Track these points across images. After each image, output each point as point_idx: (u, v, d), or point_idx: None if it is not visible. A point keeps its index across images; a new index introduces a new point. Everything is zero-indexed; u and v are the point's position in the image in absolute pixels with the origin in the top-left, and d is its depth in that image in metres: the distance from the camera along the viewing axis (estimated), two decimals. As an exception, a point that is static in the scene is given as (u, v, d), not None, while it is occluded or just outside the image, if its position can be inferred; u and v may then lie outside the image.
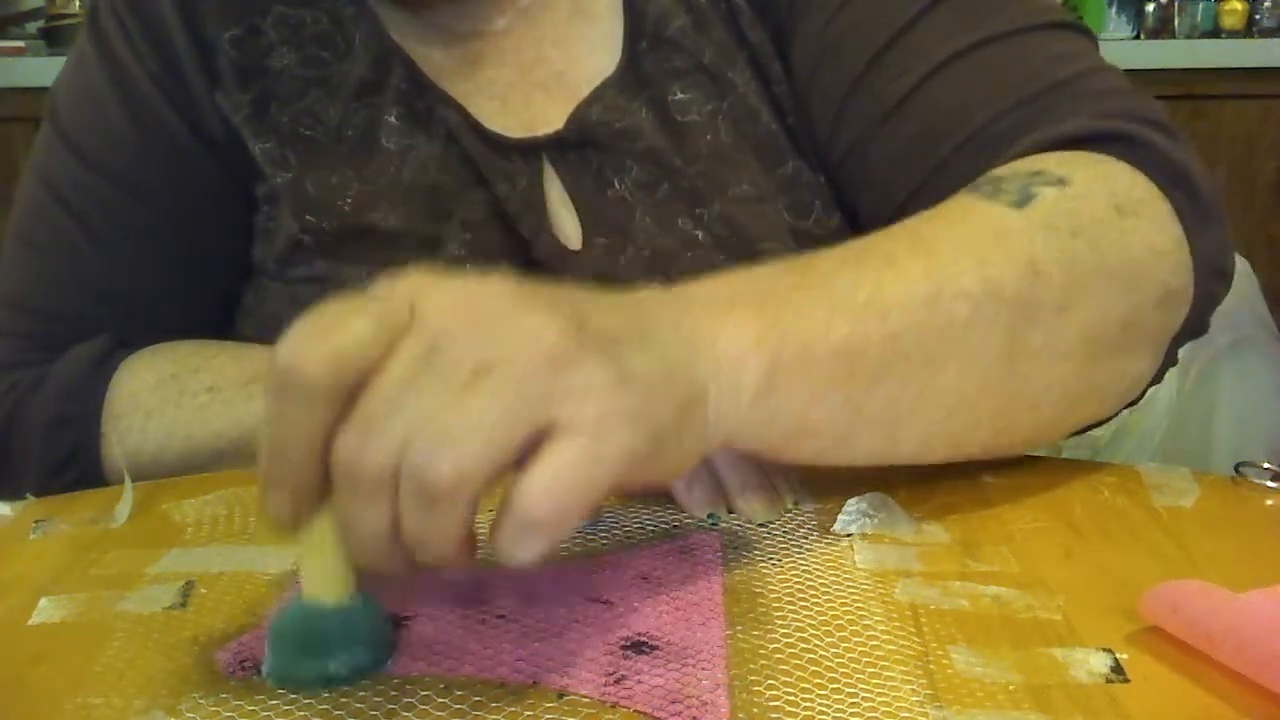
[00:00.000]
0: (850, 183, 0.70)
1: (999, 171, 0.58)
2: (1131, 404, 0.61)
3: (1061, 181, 0.55)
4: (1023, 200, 0.54)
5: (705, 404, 0.44)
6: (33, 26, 2.49)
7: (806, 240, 0.71)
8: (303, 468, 0.38)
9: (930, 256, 0.51)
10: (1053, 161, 0.57)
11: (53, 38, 2.38)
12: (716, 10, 0.73)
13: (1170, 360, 0.61)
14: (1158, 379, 0.61)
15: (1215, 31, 2.47)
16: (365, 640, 0.42)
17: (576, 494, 0.38)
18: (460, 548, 0.39)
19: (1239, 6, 2.45)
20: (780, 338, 0.46)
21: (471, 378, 0.37)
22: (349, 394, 0.37)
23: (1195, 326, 0.60)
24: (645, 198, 0.72)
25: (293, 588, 0.44)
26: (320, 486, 0.38)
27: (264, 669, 0.42)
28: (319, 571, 0.40)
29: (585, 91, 0.73)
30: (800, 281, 0.49)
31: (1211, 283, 0.59)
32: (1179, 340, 0.60)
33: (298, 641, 0.41)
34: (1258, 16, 2.48)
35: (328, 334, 0.38)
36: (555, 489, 0.37)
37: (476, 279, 0.40)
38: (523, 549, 0.38)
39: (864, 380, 0.48)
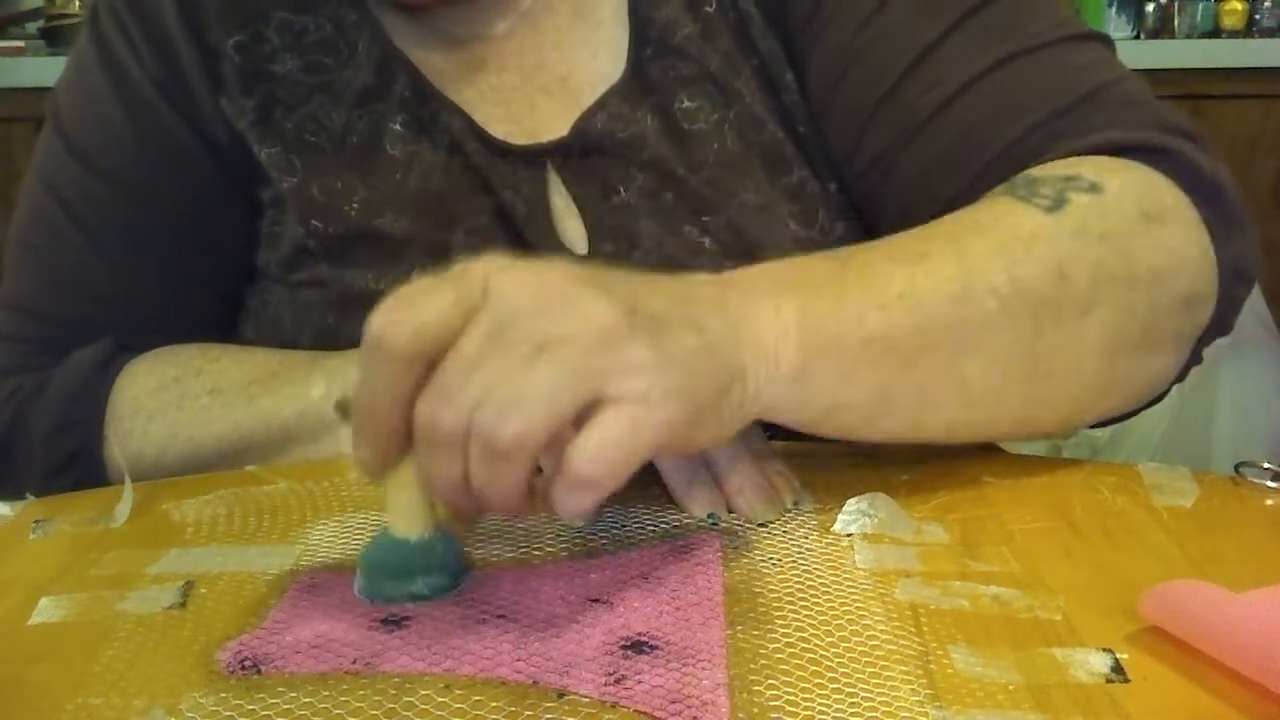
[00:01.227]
0: (873, 192, 0.70)
1: (1035, 172, 0.60)
2: (1154, 400, 0.63)
3: (1094, 188, 0.58)
4: (1056, 205, 0.57)
5: (745, 381, 0.48)
6: (33, 26, 2.49)
7: (811, 249, 0.70)
8: (387, 423, 0.43)
9: (962, 256, 0.54)
10: (1088, 167, 0.60)
11: (53, 38, 2.38)
12: (725, 19, 0.72)
13: (1195, 359, 0.63)
14: (1181, 377, 0.63)
15: (1215, 31, 2.47)
16: (444, 568, 0.48)
17: (621, 457, 0.43)
18: (519, 500, 0.43)
19: (1239, 6, 2.45)
20: (818, 323, 0.50)
21: (534, 352, 0.42)
22: (429, 361, 0.43)
23: (1220, 327, 0.62)
24: (650, 205, 0.72)
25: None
26: (403, 438, 0.44)
27: (355, 588, 0.48)
28: (403, 509, 0.47)
29: (588, 97, 0.73)
30: (838, 272, 0.53)
31: (1235, 286, 0.61)
32: (1204, 340, 0.62)
33: (386, 568, 0.47)
34: (1258, 16, 2.48)
35: (413, 308, 0.43)
36: (603, 452, 0.42)
37: (542, 263, 0.45)
38: (575, 503, 0.43)
39: (893, 367, 0.52)
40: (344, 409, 0.46)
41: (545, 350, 0.42)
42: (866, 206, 0.72)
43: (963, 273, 0.53)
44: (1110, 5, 2.49)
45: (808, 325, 0.50)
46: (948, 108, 0.66)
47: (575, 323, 0.43)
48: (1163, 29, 2.49)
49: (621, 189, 0.72)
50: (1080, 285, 0.55)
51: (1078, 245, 0.56)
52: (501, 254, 0.45)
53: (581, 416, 0.42)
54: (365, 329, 0.43)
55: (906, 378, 0.53)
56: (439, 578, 0.47)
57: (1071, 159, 0.61)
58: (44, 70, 2.11)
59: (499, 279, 0.43)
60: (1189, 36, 2.46)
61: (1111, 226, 0.57)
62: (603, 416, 0.42)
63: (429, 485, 0.45)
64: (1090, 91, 0.64)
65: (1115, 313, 0.56)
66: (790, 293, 0.51)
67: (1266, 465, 0.58)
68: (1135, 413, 0.63)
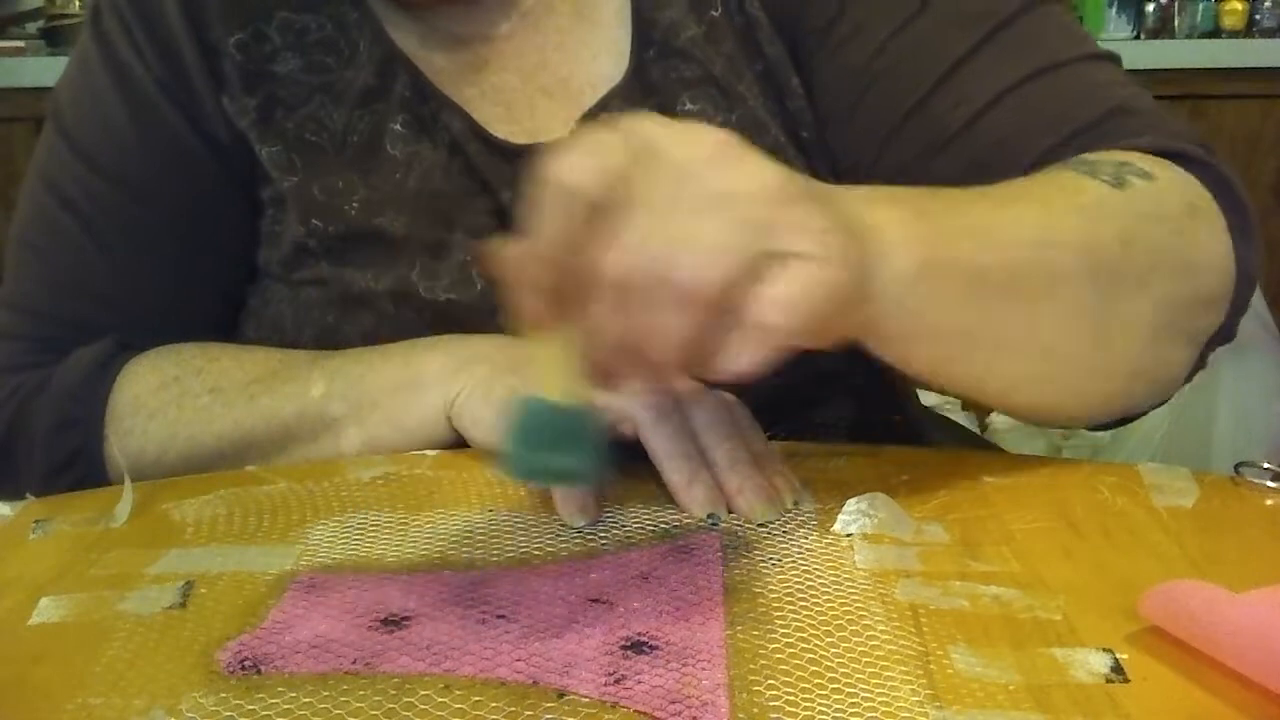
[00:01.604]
0: None
1: (1089, 156, 0.62)
2: (1159, 404, 0.64)
3: (1146, 174, 0.60)
4: (1118, 182, 0.59)
5: (879, 270, 0.48)
6: (33, 26, 2.49)
7: None
8: (559, 270, 0.42)
9: (1043, 208, 0.56)
10: (1136, 158, 0.62)
11: (53, 38, 2.38)
12: (730, 24, 0.72)
13: (1201, 363, 0.64)
14: (1187, 379, 0.64)
15: (1215, 31, 2.47)
16: (599, 440, 0.45)
17: (804, 310, 0.42)
18: (684, 354, 0.43)
19: (1239, 6, 2.45)
20: (933, 238, 0.51)
21: (715, 202, 0.42)
22: (606, 207, 0.42)
23: (1227, 332, 0.64)
24: None
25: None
26: (567, 293, 0.43)
27: (504, 464, 0.45)
28: (557, 376, 0.44)
29: (589, 97, 0.73)
30: (939, 203, 0.54)
31: (1244, 290, 0.63)
32: (1211, 344, 0.64)
33: (543, 436, 0.45)
34: (1258, 16, 2.48)
35: (592, 155, 0.42)
36: (788, 302, 0.42)
37: (698, 125, 0.45)
38: (747, 356, 0.43)
39: (983, 301, 0.53)
40: (490, 263, 0.45)
41: (724, 202, 0.42)
42: None
43: (1045, 221, 0.55)
44: (1110, 5, 2.49)
45: (925, 238, 0.50)
46: (979, 120, 0.67)
47: (750, 179, 0.43)
48: (1163, 29, 2.49)
49: None
50: (1140, 260, 0.57)
51: (1139, 222, 0.58)
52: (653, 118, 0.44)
53: (757, 272, 0.42)
54: (542, 174, 0.42)
55: (991, 315, 0.54)
56: (591, 454, 0.45)
57: (1119, 151, 0.63)
58: (44, 70, 2.11)
59: (669, 133, 0.43)
60: (1189, 36, 2.46)
61: (1166, 212, 0.59)
62: (783, 270, 0.42)
63: (594, 341, 0.43)
64: (1116, 107, 0.66)
65: (1164, 295, 0.58)
66: (908, 209, 0.51)
67: (1266, 465, 0.58)
68: (1143, 414, 0.63)
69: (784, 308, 0.42)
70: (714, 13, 0.72)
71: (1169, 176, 0.61)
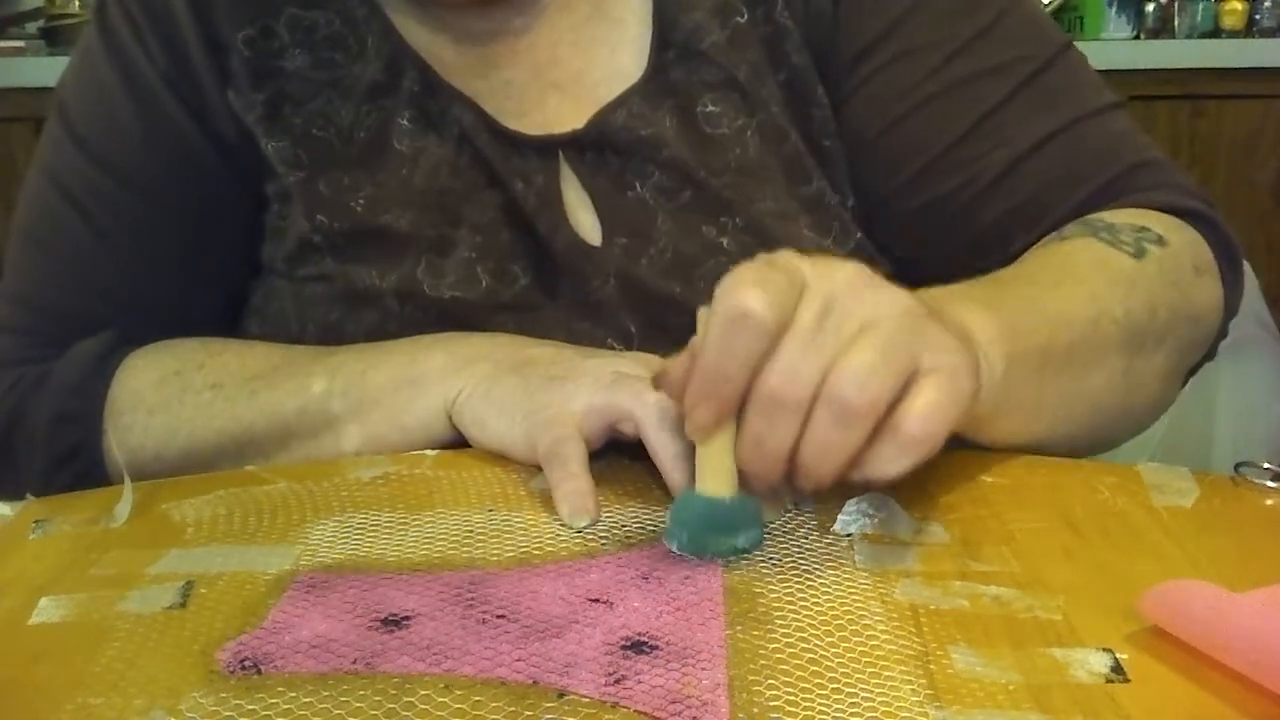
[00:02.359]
0: (919, 229, 0.74)
1: (1109, 219, 0.69)
2: None
3: (1161, 240, 0.68)
4: (1138, 253, 0.67)
5: (980, 374, 0.52)
6: (33, 26, 2.48)
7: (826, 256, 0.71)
8: (736, 387, 0.47)
9: (1089, 286, 0.64)
10: (1152, 220, 0.70)
11: (53, 38, 2.38)
12: (756, 31, 0.73)
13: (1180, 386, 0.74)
14: None
15: (1215, 31, 2.47)
16: (758, 522, 0.51)
17: (945, 420, 0.47)
18: (844, 466, 0.47)
19: (1239, 6, 2.45)
20: (1011, 333, 0.57)
21: (861, 329, 0.46)
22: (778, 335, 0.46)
23: (1209, 356, 0.74)
24: (667, 203, 0.72)
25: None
26: (737, 404, 0.48)
27: (673, 544, 0.51)
28: (717, 471, 0.50)
29: (604, 93, 0.73)
30: (1003, 293, 0.62)
31: (1226, 325, 0.74)
32: (1193, 370, 0.74)
33: (711, 524, 0.51)
34: (1258, 16, 2.48)
35: (768, 286, 0.46)
36: (933, 413, 0.46)
37: (828, 258, 0.50)
38: (897, 464, 0.47)
39: (1050, 375, 0.60)
40: (659, 382, 0.51)
41: (870, 328, 0.46)
42: (905, 238, 0.74)
43: (1093, 301, 0.63)
44: (1110, 5, 2.49)
45: (1005, 335, 0.56)
46: (1015, 169, 0.72)
47: (887, 305, 0.48)
48: (1163, 29, 2.49)
49: (636, 184, 0.72)
50: (1161, 321, 0.66)
51: (1159, 287, 0.66)
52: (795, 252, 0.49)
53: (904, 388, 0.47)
54: (722, 303, 0.46)
55: (1055, 388, 0.61)
56: (756, 531, 0.51)
57: (1137, 210, 0.70)
58: (44, 70, 2.11)
59: (811, 267, 0.48)
60: (1189, 36, 2.46)
61: (1178, 276, 0.68)
62: (925, 384, 0.46)
63: (752, 450, 0.48)
64: (1137, 161, 0.73)
65: (1175, 346, 0.68)
66: (984, 308, 0.57)
67: (1266, 465, 0.58)
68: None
69: (930, 419, 0.46)
70: (739, 19, 0.73)
71: (1179, 240, 0.69)
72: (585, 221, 0.72)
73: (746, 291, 0.46)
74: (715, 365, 0.47)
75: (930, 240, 0.74)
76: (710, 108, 0.72)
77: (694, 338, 0.49)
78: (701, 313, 0.49)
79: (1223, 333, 0.74)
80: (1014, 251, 0.71)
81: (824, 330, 0.47)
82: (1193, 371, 0.74)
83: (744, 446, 0.48)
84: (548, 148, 0.72)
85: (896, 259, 0.73)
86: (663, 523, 0.54)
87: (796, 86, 0.73)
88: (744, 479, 0.50)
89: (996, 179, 0.72)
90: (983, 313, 0.57)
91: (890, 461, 0.47)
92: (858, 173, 0.74)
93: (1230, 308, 0.73)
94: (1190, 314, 0.69)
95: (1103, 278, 0.65)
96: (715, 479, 0.50)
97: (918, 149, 0.73)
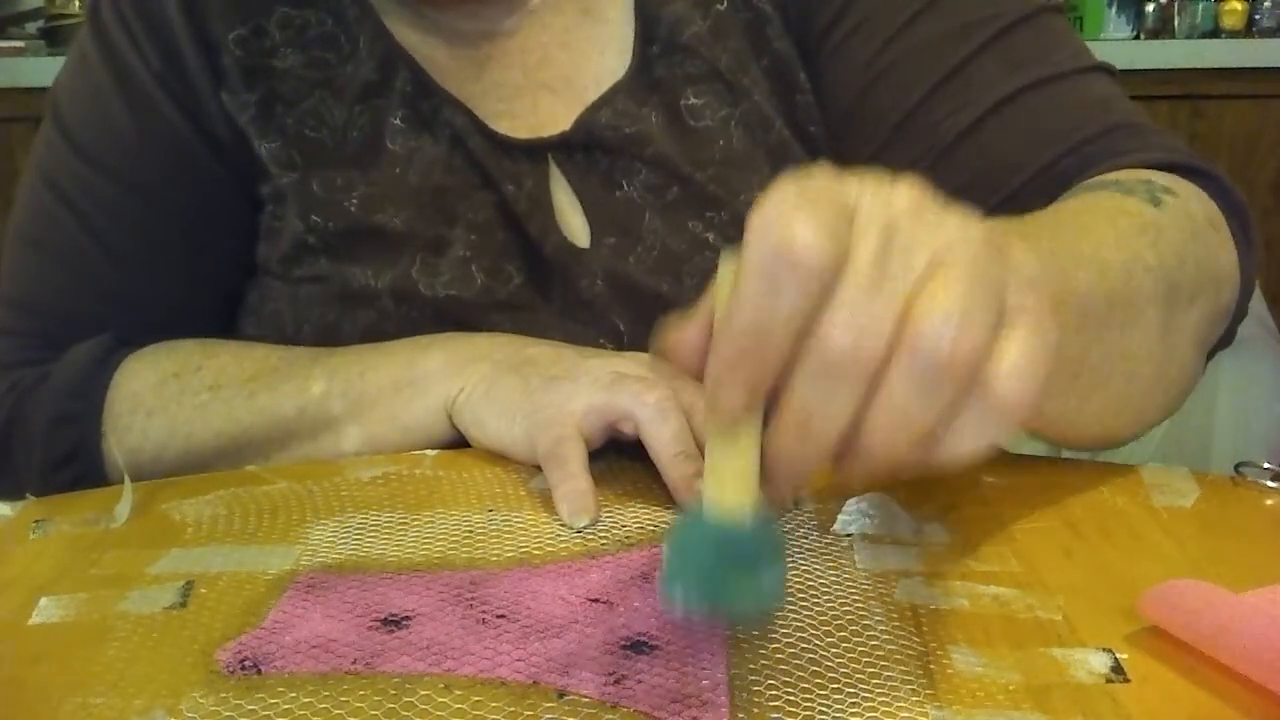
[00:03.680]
0: None
1: (1111, 176, 0.61)
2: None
3: (1171, 191, 0.60)
4: (1155, 202, 0.58)
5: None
6: (33, 26, 2.49)
7: None
8: (780, 352, 0.36)
9: (1116, 231, 0.55)
10: (1153, 174, 0.61)
11: (53, 38, 2.38)
12: (737, 18, 0.72)
13: (1201, 370, 0.65)
14: None
15: (1215, 31, 2.47)
16: (778, 555, 0.38)
17: (1038, 377, 0.37)
18: (920, 441, 0.37)
19: (1239, 6, 2.45)
20: (1056, 272, 0.47)
21: (934, 263, 0.36)
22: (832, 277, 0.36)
23: (1227, 339, 0.66)
24: (654, 200, 0.72)
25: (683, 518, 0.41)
26: (775, 378, 0.37)
27: (676, 593, 0.38)
28: (739, 476, 0.38)
29: (593, 94, 0.73)
30: (1037, 231, 0.51)
31: (1245, 299, 0.65)
32: (1213, 351, 0.65)
33: (726, 555, 0.37)
34: (1258, 16, 2.48)
35: (815, 212, 0.36)
36: (1028, 368, 0.37)
37: (883, 179, 0.39)
38: (986, 434, 0.37)
39: (1089, 332, 0.51)
40: (665, 350, 0.39)
41: (944, 261, 0.36)
42: None
43: (1122, 247, 0.54)
44: (1110, 5, 2.49)
45: (1049, 273, 0.46)
46: (978, 129, 0.67)
47: (960, 230, 0.37)
48: (1163, 29, 2.49)
49: (624, 183, 0.72)
50: (1191, 274, 0.57)
51: (1185, 238, 0.58)
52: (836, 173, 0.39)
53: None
54: (761, 239, 0.36)
55: (1097, 343, 0.52)
56: (780, 568, 0.38)
57: (1131, 170, 0.62)
58: (44, 70, 2.11)
59: (860, 189, 0.38)
60: (1189, 37, 2.46)
61: (1197, 228, 0.60)
62: (1016, 331, 0.37)
63: (799, 433, 0.37)
64: (1115, 122, 0.67)
65: (1205, 306, 0.60)
66: (1023, 242, 0.44)
67: (1266, 465, 0.58)
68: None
69: (1027, 375, 0.37)
70: (719, 7, 0.72)
71: (1187, 193, 0.62)
72: (574, 223, 0.72)
73: (793, 221, 0.36)
74: (754, 323, 0.36)
75: None
76: (694, 100, 0.72)
77: (706, 297, 0.38)
78: (725, 260, 0.38)
79: (1241, 311, 0.65)
80: None
81: (890, 267, 0.36)
82: (1210, 357, 0.65)
83: (784, 431, 0.37)
84: (537, 150, 0.72)
85: None
86: (663, 523, 0.54)
87: (779, 73, 0.72)
88: (764, 483, 0.38)
89: (956, 141, 0.68)
90: (1027, 247, 0.44)
91: (977, 435, 0.37)
92: (839, 154, 0.72)
93: (1246, 277, 0.64)
94: (1214, 272, 0.60)
95: (1129, 223, 0.56)
96: (736, 486, 0.38)
97: (881, 117, 0.70)
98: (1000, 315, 0.37)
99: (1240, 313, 0.65)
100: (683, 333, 0.40)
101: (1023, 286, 0.38)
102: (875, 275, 0.36)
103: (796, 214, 0.36)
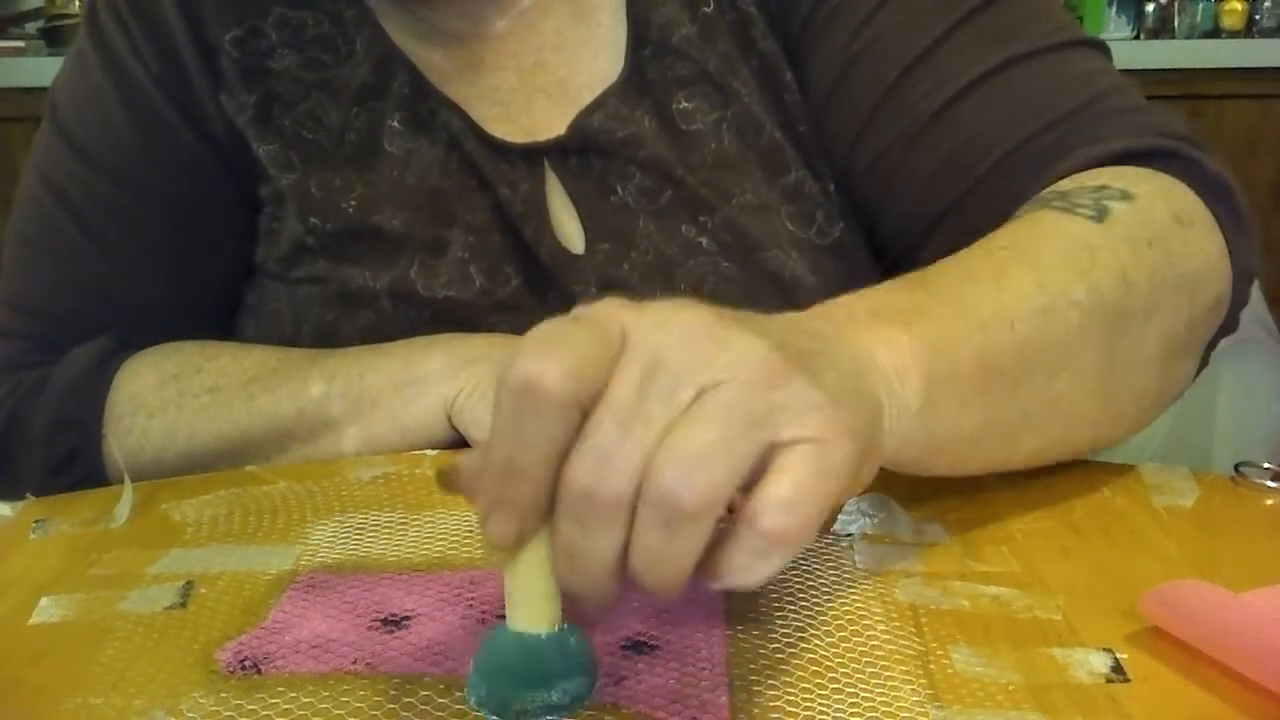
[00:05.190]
0: (876, 192, 0.70)
1: (1062, 186, 0.60)
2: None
3: (1126, 195, 0.58)
4: (1099, 214, 0.56)
5: (882, 417, 0.43)
6: (33, 26, 2.49)
7: (808, 250, 0.71)
8: (537, 487, 0.36)
9: (1037, 269, 0.53)
10: (1110, 176, 0.60)
11: (53, 38, 2.38)
12: (724, 19, 0.72)
13: (1204, 362, 0.63)
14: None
15: (1215, 31, 2.47)
16: (583, 668, 0.39)
17: (815, 506, 0.37)
18: (688, 574, 0.37)
19: (1239, 6, 2.45)
20: (931, 351, 0.46)
21: (695, 398, 0.36)
22: (582, 413, 0.36)
23: (1228, 326, 0.63)
24: (648, 204, 0.72)
25: (487, 628, 0.43)
26: (546, 508, 0.37)
27: (474, 699, 0.39)
28: (532, 599, 0.38)
29: (586, 97, 0.73)
30: (929, 298, 0.50)
31: (1242, 285, 0.62)
32: (1214, 342, 0.63)
33: (517, 673, 0.39)
34: (1258, 16, 2.48)
35: (563, 349, 0.36)
36: (796, 501, 0.36)
37: (670, 303, 0.39)
38: (760, 568, 0.37)
39: (999, 390, 0.50)
40: (450, 479, 0.39)
41: (707, 396, 0.36)
42: (866, 207, 0.72)
43: (1043, 286, 0.52)
44: (1110, 5, 2.50)
45: (922, 353, 0.46)
46: (952, 108, 0.66)
47: (731, 362, 0.37)
48: (1163, 29, 2.50)
49: (619, 188, 0.72)
50: (1142, 291, 0.55)
51: (1132, 251, 0.55)
52: (618, 298, 0.39)
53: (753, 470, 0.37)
54: (503, 376, 0.36)
55: (1010, 401, 0.51)
56: (580, 681, 0.39)
57: (1091, 170, 0.61)
58: (44, 70, 2.11)
59: (635, 319, 0.38)
60: (1189, 36, 2.46)
61: (1154, 232, 0.57)
62: (785, 462, 0.36)
63: (569, 566, 0.37)
64: (1093, 98, 0.65)
65: (1170, 318, 0.56)
66: (895, 323, 0.46)
67: (1266, 465, 0.58)
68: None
69: (796, 507, 0.36)
70: (706, 9, 0.72)
71: (1148, 190, 0.59)
72: (569, 228, 0.72)
73: (539, 358, 0.35)
74: (506, 459, 0.36)
75: (885, 209, 0.70)
76: (685, 104, 0.72)
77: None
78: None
79: (1240, 298, 0.62)
80: (966, 214, 0.63)
81: (647, 401, 0.36)
82: (1208, 353, 0.63)
83: (558, 559, 0.37)
84: (533, 155, 0.72)
85: (891, 241, 0.71)
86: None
87: (768, 74, 0.72)
88: (569, 601, 0.38)
89: (931, 122, 0.66)
90: (896, 331, 0.46)
91: (748, 567, 0.37)
92: (828, 150, 0.72)
93: (1239, 259, 0.61)
94: (1180, 275, 0.57)
95: (1056, 253, 0.54)
96: (527, 609, 0.38)
97: (859, 102, 0.69)
98: (768, 445, 0.36)
99: (1239, 299, 0.62)
100: (468, 462, 0.39)
101: (802, 414, 0.37)
102: (626, 414, 0.36)
103: (543, 351, 0.36)
